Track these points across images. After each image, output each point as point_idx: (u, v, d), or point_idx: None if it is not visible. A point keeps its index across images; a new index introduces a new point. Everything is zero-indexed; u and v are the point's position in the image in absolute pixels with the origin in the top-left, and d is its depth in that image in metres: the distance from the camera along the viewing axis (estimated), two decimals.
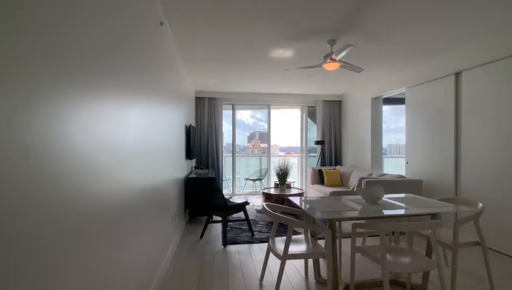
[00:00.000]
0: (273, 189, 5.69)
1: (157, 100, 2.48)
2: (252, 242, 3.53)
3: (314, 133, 7.16)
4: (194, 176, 4.47)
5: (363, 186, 4.03)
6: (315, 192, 5.83)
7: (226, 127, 7.06)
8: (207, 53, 3.78)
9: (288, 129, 8.81)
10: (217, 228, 4.09)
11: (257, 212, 5.02)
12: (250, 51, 3.72)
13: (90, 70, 1.15)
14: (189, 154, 4.53)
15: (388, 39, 3.28)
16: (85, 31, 1.11)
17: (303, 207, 2.31)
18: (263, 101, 6.74)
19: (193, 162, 5.71)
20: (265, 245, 3.44)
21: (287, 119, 8.74)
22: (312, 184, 6.07)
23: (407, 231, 2.38)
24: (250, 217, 4.58)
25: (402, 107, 6.15)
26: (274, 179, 7.39)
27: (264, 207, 2.29)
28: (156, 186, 2.43)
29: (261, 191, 7.21)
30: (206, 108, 6.36)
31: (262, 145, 8.26)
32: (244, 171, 8.42)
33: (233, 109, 6.75)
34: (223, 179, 6.88)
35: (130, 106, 1.69)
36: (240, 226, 4.12)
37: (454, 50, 3.63)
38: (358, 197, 2.76)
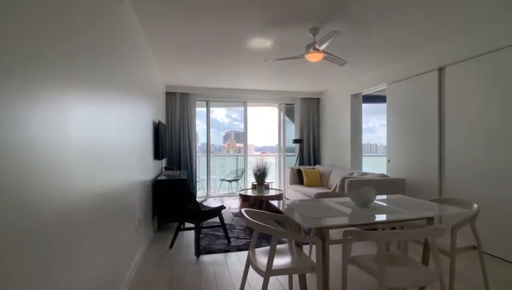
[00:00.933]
0: (250, 190, 5.36)
1: (116, 92, 2.07)
2: (229, 251, 3.18)
3: (292, 132, 6.94)
4: (163, 177, 4.04)
5: (346, 187, 3.83)
6: (294, 193, 5.59)
7: (201, 126, 6.65)
8: (177, 45, 3.38)
9: (264, 128, 8.57)
10: (189, 236, 3.69)
11: (234, 216, 4.68)
12: (224, 42, 3.38)
13: None
14: (158, 154, 4.09)
15: (374, 30, 3.08)
16: None
17: (286, 212, 2.02)
18: (239, 98, 6.40)
19: (163, 162, 5.24)
20: (243, 254, 3.11)
21: (263, 117, 8.48)
22: (291, 184, 5.83)
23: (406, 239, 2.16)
24: (226, 222, 4.23)
25: (374, 106, 6.07)
26: (251, 179, 7.08)
27: (242, 214, 1.96)
28: (114, 191, 2.02)
29: (237, 193, 6.87)
30: (178, 104, 5.91)
31: (238, 145, 7.94)
32: (220, 171, 8.04)
33: (208, 106, 6.35)
34: (197, 180, 6.46)
35: (73, 99, 1.29)
36: (214, 233, 3.76)
37: (439, 44, 3.52)
38: (345, 199, 2.52)
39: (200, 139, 7.50)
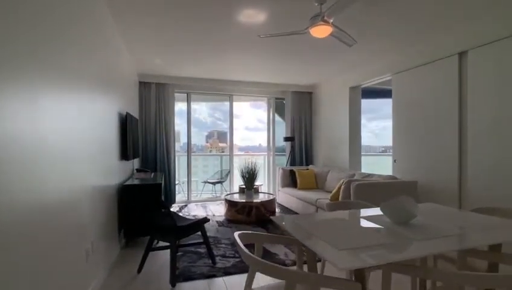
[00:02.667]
0: (237, 195, 4.70)
1: (57, 73, 1.35)
2: (214, 275, 2.51)
3: (282, 130, 6.33)
4: (132, 182, 3.29)
5: (352, 191, 3.25)
6: (287, 197, 4.97)
7: (183, 126, 5.89)
8: (150, 21, 2.66)
9: (250, 125, 7.93)
10: (163, 255, 2.97)
11: (218, 225, 3.99)
12: (209, 16, 2.69)
13: None
14: (126, 153, 3.33)
15: (386, 6, 2.51)
16: None
17: (294, 232, 1.39)
18: (224, 90, 5.71)
19: (135, 163, 4.46)
20: (232, 280, 2.44)
21: (251, 113, 7.85)
22: (282, 187, 5.21)
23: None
24: (209, 234, 3.53)
25: (364, 102, 5.56)
26: (238, 181, 6.41)
27: (237, 244, 1.30)
28: (45, 207, 1.31)
29: (222, 197, 6.18)
30: (153, 96, 5.13)
31: (221, 144, 7.26)
32: (202, 172, 7.30)
33: (188, 99, 5.61)
34: (177, 183, 5.71)
35: None
36: (196, 250, 3.06)
37: (461, 23, 2.98)
38: (370, 212, 1.92)
39: (182, 138, 6.79)
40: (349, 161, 4.91)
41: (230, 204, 4.18)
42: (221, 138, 7.42)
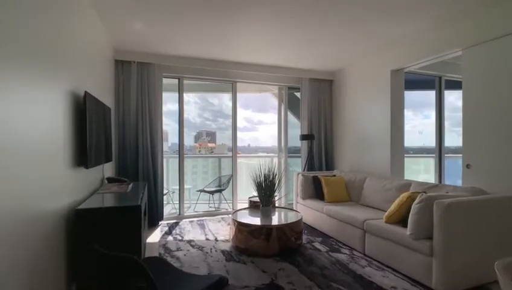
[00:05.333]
0: (247, 211, 3.50)
1: None
2: None
3: (292, 129, 5.19)
4: (90, 205, 2.04)
5: (438, 211, 2.12)
6: (311, 212, 3.81)
7: (171, 124, 4.77)
8: None
9: (240, 125, 6.81)
10: None
11: (226, 260, 2.79)
12: None
13: None
14: (84, 157, 2.09)
15: None
16: None
17: None
18: (226, 76, 4.50)
19: (106, 170, 3.18)
20: None
21: (238, 112, 6.75)
22: (304, 199, 4.05)
23: None
24: (214, 272, 2.32)
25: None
26: (241, 188, 5.24)
27: None
28: None
29: (223, 209, 4.97)
30: (134, 79, 3.87)
31: (210, 144, 6.20)
32: (195, 178, 6.06)
33: (180, 86, 4.37)
34: (165, 192, 4.47)
35: None
36: None
37: None
38: None
39: (170, 138, 5.72)
40: (390, 166, 3.80)
41: (241, 227, 2.98)
42: (208, 138, 6.49)
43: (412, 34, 3.30)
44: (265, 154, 6.39)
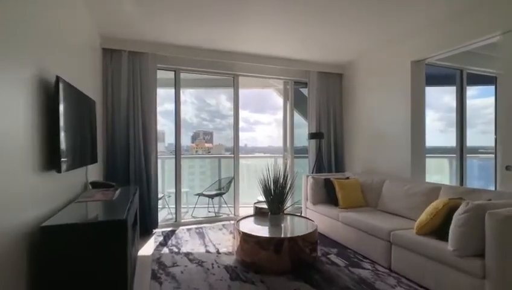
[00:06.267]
0: (252, 219, 3.10)
1: None
2: None
3: (301, 126, 4.80)
4: (60, 220, 1.62)
5: (491, 225, 1.73)
6: (324, 219, 3.42)
7: (169, 126, 4.46)
8: None
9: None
10: None
11: (231, 278, 2.38)
12: None
13: None
14: (57, 158, 1.66)
15: None
16: None
17: None
18: (226, 67, 4.09)
19: (89, 173, 2.74)
20: None
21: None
22: (314, 204, 3.66)
23: None
24: (215, 289, 1.91)
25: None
26: (244, 190, 4.85)
27: None
28: None
29: (223, 214, 4.56)
30: (124, 71, 3.45)
31: (207, 145, 5.92)
32: (188, 178, 5.64)
33: (177, 79, 3.95)
34: (160, 196, 4.07)
35: None
36: None
37: None
38: None
39: (167, 138, 5.46)
40: (411, 167, 3.42)
41: (247, 238, 2.58)
42: (206, 138, 6.21)
43: (438, 19, 2.92)
44: (264, 154, 6.03)
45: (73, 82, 1.99)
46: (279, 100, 5.16)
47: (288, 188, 2.73)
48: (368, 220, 2.79)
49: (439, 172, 5.25)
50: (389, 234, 2.48)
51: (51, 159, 1.67)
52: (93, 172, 2.87)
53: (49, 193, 1.69)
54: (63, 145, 1.71)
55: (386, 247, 2.53)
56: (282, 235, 2.60)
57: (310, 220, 3.00)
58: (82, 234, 1.49)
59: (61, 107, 1.68)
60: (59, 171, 1.66)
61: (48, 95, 1.69)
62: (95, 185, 2.56)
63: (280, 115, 4.76)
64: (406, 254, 2.34)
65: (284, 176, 2.75)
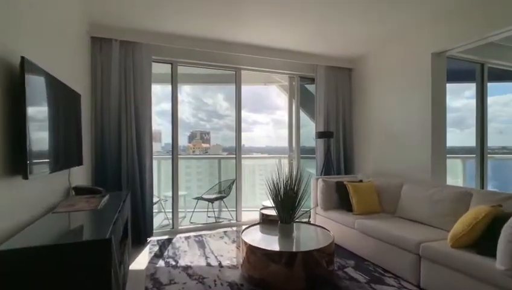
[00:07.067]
0: (259, 229, 2.77)
1: None
2: None
3: (306, 124, 4.47)
4: (27, 240, 1.28)
5: None
6: (337, 227, 3.09)
7: (166, 126, 4.22)
8: None
9: (232, 124, 6.20)
10: None
11: None
12: None
13: None
14: (21, 161, 1.32)
15: None
16: None
17: None
18: (228, 60, 3.76)
19: (73, 177, 2.38)
20: None
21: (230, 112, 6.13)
22: (325, 210, 3.34)
23: None
24: None
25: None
26: (246, 193, 4.54)
27: None
28: None
29: (224, 220, 4.22)
30: (115, 62, 3.10)
31: (204, 145, 5.72)
32: (185, 178, 5.29)
33: (174, 73, 3.61)
34: (155, 200, 3.74)
35: None
36: None
37: None
38: None
39: (164, 137, 5.19)
40: (431, 168, 3.11)
41: (253, 251, 2.25)
42: (203, 138, 6.01)
43: (464, 5, 2.61)
44: (262, 154, 5.73)
45: (51, 71, 1.64)
46: (277, 99, 4.87)
47: (301, 193, 2.40)
48: (389, 229, 2.48)
49: (451, 174, 4.97)
50: (418, 246, 2.17)
51: (13, 162, 1.33)
52: (79, 176, 2.52)
53: (10, 205, 1.35)
54: (32, 144, 1.38)
55: (413, 261, 2.22)
56: (295, 249, 2.27)
57: (326, 229, 2.68)
58: (51, 261, 1.15)
59: (29, 96, 1.34)
60: (25, 177, 1.31)
61: (12, 81, 1.35)
62: (79, 191, 2.21)
63: (278, 115, 4.50)
64: (440, 270, 2.02)
65: (296, 179, 2.42)
